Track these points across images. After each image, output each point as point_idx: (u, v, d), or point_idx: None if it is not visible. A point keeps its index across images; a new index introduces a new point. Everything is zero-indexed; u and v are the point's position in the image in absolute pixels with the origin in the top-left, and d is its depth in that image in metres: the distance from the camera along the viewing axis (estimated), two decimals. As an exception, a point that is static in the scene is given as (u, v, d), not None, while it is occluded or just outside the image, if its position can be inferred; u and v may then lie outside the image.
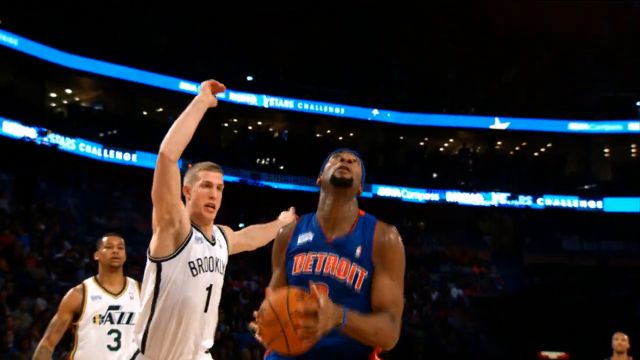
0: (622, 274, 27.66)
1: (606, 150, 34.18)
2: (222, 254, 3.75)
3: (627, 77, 32.02)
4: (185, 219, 3.53)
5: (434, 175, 32.98)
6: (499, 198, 30.77)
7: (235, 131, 33.14)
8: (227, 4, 31.69)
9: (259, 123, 32.89)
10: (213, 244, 3.70)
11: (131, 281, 5.04)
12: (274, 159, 31.78)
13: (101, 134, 27.47)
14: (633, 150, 33.80)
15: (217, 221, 3.80)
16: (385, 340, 2.72)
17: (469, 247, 29.47)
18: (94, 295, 4.84)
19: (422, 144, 34.73)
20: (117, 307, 4.85)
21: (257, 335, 2.56)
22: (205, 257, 3.61)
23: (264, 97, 30.48)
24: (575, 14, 30.89)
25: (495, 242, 31.16)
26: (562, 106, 32.55)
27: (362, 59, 33.81)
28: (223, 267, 3.74)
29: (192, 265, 3.54)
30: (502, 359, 22.60)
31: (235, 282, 20.07)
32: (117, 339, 4.79)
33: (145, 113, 30.75)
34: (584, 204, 30.73)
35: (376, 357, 2.87)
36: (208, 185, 3.64)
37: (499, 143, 34.19)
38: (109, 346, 4.77)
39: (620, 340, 7.25)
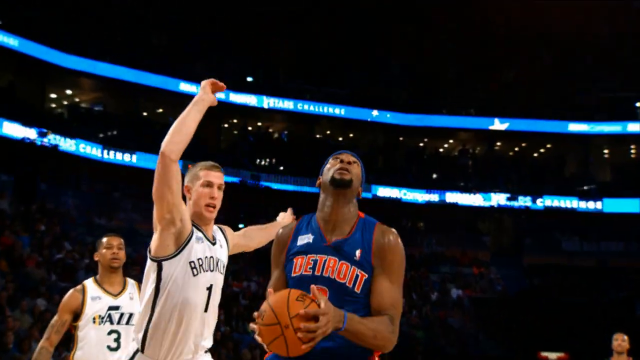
0: (621, 274, 27.66)
1: (605, 151, 34.21)
2: (222, 254, 3.75)
3: (627, 77, 32.06)
4: (186, 219, 3.53)
5: (434, 176, 33.03)
6: (498, 199, 30.81)
7: (235, 132, 33.19)
8: (227, 4, 31.71)
9: (259, 124, 32.93)
10: (214, 244, 3.69)
11: (131, 282, 5.03)
12: (273, 160, 31.80)
13: (101, 135, 27.49)
14: (632, 151, 33.81)
15: (216, 221, 3.79)
16: (384, 343, 2.73)
17: (469, 248, 29.49)
18: (94, 296, 4.84)
19: (421, 144, 34.75)
20: (116, 308, 4.84)
21: (256, 336, 2.56)
22: (206, 257, 3.60)
23: (264, 97, 30.52)
24: (574, 14, 30.90)
25: (494, 242, 31.19)
26: (562, 107, 32.62)
27: (362, 59, 33.83)
28: (223, 267, 3.74)
29: (192, 265, 3.53)
30: (502, 360, 22.67)
31: (235, 283, 20.04)
32: (117, 340, 4.78)
33: (145, 114, 30.78)
34: (583, 204, 30.79)
35: (376, 359, 2.88)
36: (209, 184, 3.63)
37: (498, 144, 34.21)
38: (108, 347, 4.76)
39: (620, 341, 7.24)
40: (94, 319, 4.78)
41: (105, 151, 26.22)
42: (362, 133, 33.62)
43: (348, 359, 2.79)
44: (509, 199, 30.60)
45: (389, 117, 32.06)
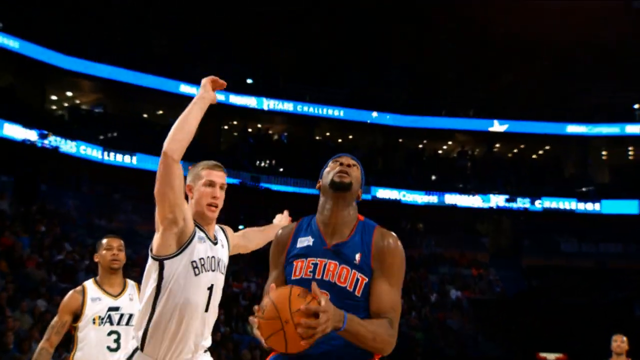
0: (620, 276, 27.67)
1: (604, 152, 34.24)
2: (223, 254, 3.75)
3: (625, 80, 32.10)
4: (188, 218, 3.51)
5: (433, 177, 33.02)
6: (497, 200, 30.82)
7: (235, 134, 33.21)
8: (227, 6, 31.76)
9: (259, 125, 32.97)
10: (215, 244, 3.69)
11: (131, 283, 5.02)
12: (273, 161, 31.78)
13: (101, 137, 27.53)
14: (630, 153, 33.85)
15: (217, 222, 3.79)
16: (383, 346, 2.72)
17: (468, 249, 29.46)
18: (94, 297, 4.84)
19: (420, 146, 34.77)
20: (116, 309, 4.84)
21: (255, 330, 2.55)
22: (208, 257, 3.59)
23: (264, 99, 30.57)
24: (573, 17, 30.94)
25: (493, 244, 31.20)
26: (560, 109, 32.64)
27: (361, 61, 33.85)
28: (224, 267, 3.73)
29: (194, 264, 3.52)
30: (501, 361, 22.69)
31: (235, 284, 20.04)
32: (117, 340, 4.78)
33: (145, 115, 30.81)
34: (582, 206, 30.80)
35: None
36: (211, 184, 3.62)
37: (497, 145, 34.24)
38: (108, 347, 4.76)
39: (620, 342, 7.25)
40: (93, 319, 4.78)
41: (106, 153, 26.24)
42: (362, 135, 33.63)
43: None
44: (507, 200, 30.61)
45: (388, 118, 32.09)
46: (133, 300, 4.89)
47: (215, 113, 27.92)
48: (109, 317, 4.81)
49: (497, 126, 32.17)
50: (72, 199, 24.10)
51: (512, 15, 30.94)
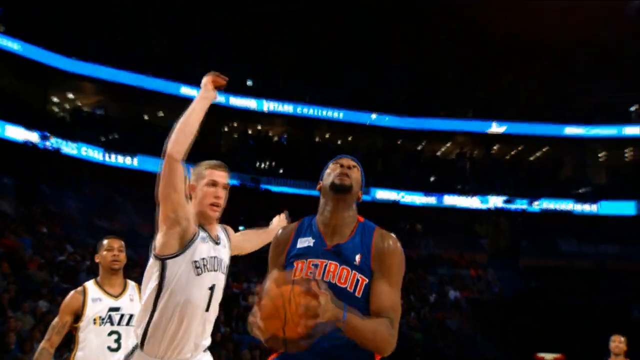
0: (618, 276, 27.67)
1: (601, 154, 34.25)
2: (225, 254, 3.74)
3: (622, 81, 32.14)
4: (191, 218, 3.51)
5: (432, 178, 33.03)
6: (495, 201, 30.84)
7: (236, 135, 33.24)
8: (227, 9, 31.83)
9: (259, 127, 33.01)
10: (217, 244, 3.68)
11: (131, 283, 5.03)
12: (273, 163, 31.83)
13: (103, 138, 27.62)
14: (628, 154, 33.90)
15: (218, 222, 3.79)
16: (383, 345, 2.70)
17: (466, 250, 29.54)
18: (95, 297, 4.85)
19: (419, 148, 34.79)
20: (117, 309, 4.85)
21: (254, 311, 2.52)
22: (210, 257, 3.58)
23: (264, 101, 30.66)
24: (571, 18, 30.98)
25: (492, 245, 31.23)
26: (558, 110, 32.68)
27: (361, 62, 33.87)
28: (226, 267, 3.73)
29: (196, 264, 3.51)
30: (499, 361, 22.76)
31: (235, 284, 20.06)
32: (118, 340, 4.79)
33: (146, 117, 30.87)
34: (579, 207, 30.85)
35: None
36: (214, 184, 3.61)
37: (495, 147, 34.26)
38: (109, 347, 4.77)
39: (618, 343, 7.26)
40: (94, 320, 4.79)
41: (107, 154, 26.36)
42: (361, 136, 33.67)
43: None
44: (506, 201, 30.62)
45: (387, 120, 32.15)
46: (133, 300, 4.91)
47: (216, 115, 27.99)
48: (110, 317, 4.82)
49: (496, 128, 32.22)
50: (73, 200, 24.17)
51: (510, 18, 30.97)
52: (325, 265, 2.85)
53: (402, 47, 34.03)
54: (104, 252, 4.95)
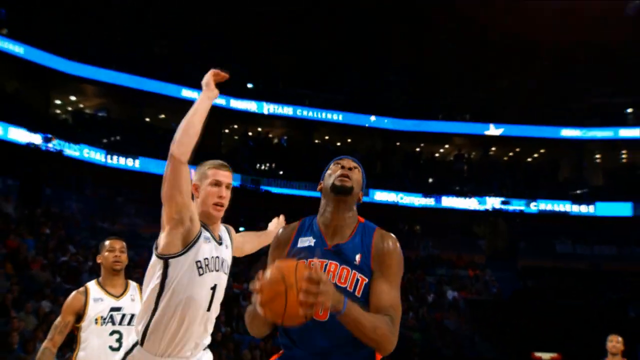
0: (614, 277, 27.77)
1: (598, 155, 34.31)
2: (227, 254, 3.73)
3: (618, 84, 32.23)
4: (195, 218, 3.49)
5: (430, 180, 33.00)
6: (493, 203, 30.84)
7: (236, 137, 33.27)
8: (227, 11, 31.93)
9: (259, 129, 33.04)
10: (220, 244, 3.67)
11: (133, 284, 5.06)
12: (273, 165, 31.84)
13: (105, 140, 27.64)
14: (624, 156, 33.94)
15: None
16: (384, 341, 2.68)
17: (464, 251, 29.53)
18: (96, 298, 4.87)
19: (418, 149, 34.79)
20: (118, 309, 4.88)
21: (255, 295, 2.51)
22: (212, 257, 3.58)
23: (264, 104, 30.71)
24: (568, 21, 31.07)
25: (489, 245, 31.18)
26: (555, 113, 32.73)
27: (360, 65, 33.94)
28: (228, 267, 3.72)
29: (199, 264, 3.50)
30: (496, 360, 22.84)
31: (236, 285, 20.11)
32: (119, 340, 4.81)
33: (147, 119, 30.92)
34: (576, 208, 30.85)
35: None
36: (217, 184, 3.60)
37: (493, 149, 34.28)
38: (110, 347, 4.79)
39: (615, 342, 7.23)
40: (96, 320, 4.82)
41: (109, 156, 26.34)
42: (360, 138, 33.70)
43: None
44: (503, 203, 30.61)
45: (386, 122, 32.18)
46: (135, 300, 4.94)
47: (217, 117, 28.11)
48: (111, 317, 4.85)
49: (493, 130, 32.25)
50: (75, 202, 24.20)
51: (508, 22, 31.09)
52: (326, 265, 2.85)
53: (400, 49, 34.10)
54: (106, 253, 4.98)
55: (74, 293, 4.96)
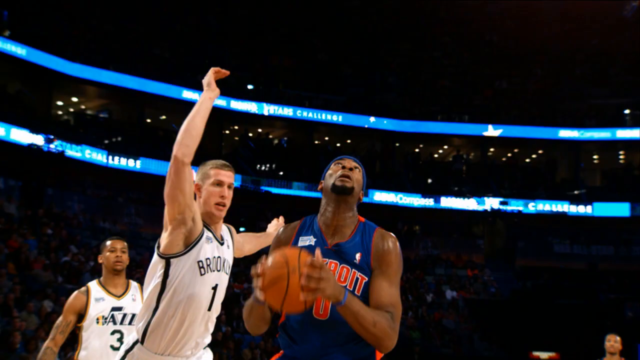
0: (611, 277, 27.83)
1: (595, 156, 34.30)
2: (229, 254, 3.74)
3: (616, 85, 32.35)
4: (197, 218, 3.49)
5: (429, 181, 32.98)
6: (491, 203, 30.79)
7: (236, 138, 33.28)
8: (227, 12, 32.07)
9: (259, 130, 33.04)
10: (222, 244, 3.68)
11: (134, 284, 5.10)
12: (273, 165, 31.82)
13: (106, 141, 27.62)
14: (621, 157, 33.96)
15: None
16: (383, 336, 2.68)
17: (463, 251, 29.53)
18: (97, 297, 4.91)
19: (417, 150, 34.79)
20: (119, 309, 4.91)
21: (256, 281, 2.52)
22: (214, 257, 3.58)
23: (264, 105, 30.69)
24: (566, 24, 31.22)
25: (488, 245, 31.10)
26: (553, 114, 32.71)
27: (359, 67, 34.02)
28: (229, 267, 3.72)
29: (200, 264, 3.50)
30: (495, 360, 22.90)
31: (236, 284, 20.23)
32: (120, 339, 4.83)
33: (149, 121, 30.92)
34: (574, 208, 30.83)
35: None
36: (219, 184, 3.59)
37: (491, 150, 34.27)
38: (112, 346, 4.82)
39: (613, 342, 7.25)
40: (97, 319, 4.85)
41: (110, 157, 26.32)
42: (360, 139, 33.71)
43: None
44: (502, 203, 30.56)
45: (385, 123, 32.16)
46: (136, 300, 4.98)
47: (217, 118, 28.23)
48: (112, 316, 4.88)
49: (492, 131, 32.23)
50: (77, 202, 24.21)
51: (507, 24, 31.22)
52: (326, 264, 2.76)
53: (400, 51, 34.23)
54: (107, 253, 5.01)
55: (75, 293, 5.00)
